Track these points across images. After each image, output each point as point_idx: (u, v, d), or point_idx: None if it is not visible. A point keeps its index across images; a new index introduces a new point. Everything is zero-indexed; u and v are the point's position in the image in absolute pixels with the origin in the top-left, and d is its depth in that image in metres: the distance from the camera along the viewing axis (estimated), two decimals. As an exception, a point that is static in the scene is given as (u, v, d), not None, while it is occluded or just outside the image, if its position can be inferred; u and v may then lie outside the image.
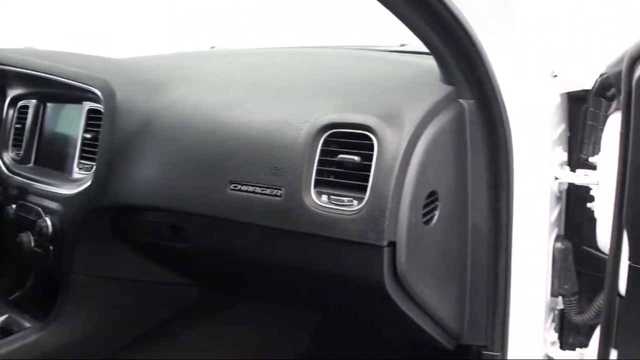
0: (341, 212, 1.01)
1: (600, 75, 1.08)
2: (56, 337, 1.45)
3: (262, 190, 1.09)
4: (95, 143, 1.38)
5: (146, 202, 1.29)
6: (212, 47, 2.08)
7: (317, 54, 1.63)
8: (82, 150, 1.45)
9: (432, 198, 1.05)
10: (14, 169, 1.61)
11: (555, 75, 1.14)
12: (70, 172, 1.47)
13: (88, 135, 1.43)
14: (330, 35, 2.01)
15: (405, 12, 0.94)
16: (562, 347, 1.27)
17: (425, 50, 1.07)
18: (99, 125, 1.37)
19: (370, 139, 1.01)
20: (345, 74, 1.35)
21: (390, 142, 0.99)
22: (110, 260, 1.47)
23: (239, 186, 1.12)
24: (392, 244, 0.99)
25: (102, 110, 1.35)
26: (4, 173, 1.61)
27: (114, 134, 1.32)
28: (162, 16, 2.59)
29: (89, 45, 1.80)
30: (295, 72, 1.45)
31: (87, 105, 1.45)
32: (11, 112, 1.67)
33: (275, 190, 1.07)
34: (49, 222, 1.43)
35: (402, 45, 1.54)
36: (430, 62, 1.12)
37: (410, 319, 1.10)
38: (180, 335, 1.66)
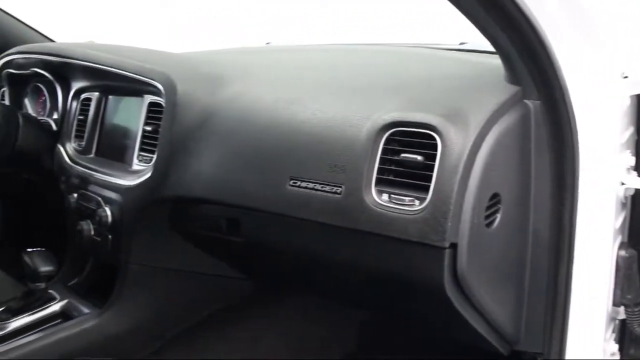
0: (402, 211, 1.00)
1: (676, 77, 1.04)
2: (113, 324, 1.49)
3: (322, 187, 1.09)
4: (156, 136, 1.41)
5: (204, 195, 1.31)
6: (267, 43, 2.10)
7: (376, 51, 1.62)
8: (142, 143, 1.48)
9: (494, 200, 1.03)
10: (76, 159, 1.65)
11: (626, 77, 1.10)
12: (130, 163, 1.50)
13: (148, 128, 1.45)
14: (330, 35, 2.00)
15: (474, 10, 0.93)
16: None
17: (487, 48, 1.05)
18: (159, 118, 1.40)
19: (434, 139, 1.00)
20: (407, 72, 1.33)
21: (454, 142, 0.98)
22: (167, 251, 1.49)
23: (299, 182, 1.12)
24: (453, 246, 0.98)
25: (163, 104, 1.37)
26: (67, 163, 1.66)
27: (174, 127, 1.34)
28: (162, 16, 2.61)
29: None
30: (355, 69, 1.44)
31: (148, 98, 1.47)
32: (75, 104, 1.71)
33: (336, 188, 1.07)
34: (108, 212, 1.47)
35: (461, 43, 1.52)
36: (493, 61, 1.10)
37: (467, 322, 1.08)
38: (228, 329, 1.68)
